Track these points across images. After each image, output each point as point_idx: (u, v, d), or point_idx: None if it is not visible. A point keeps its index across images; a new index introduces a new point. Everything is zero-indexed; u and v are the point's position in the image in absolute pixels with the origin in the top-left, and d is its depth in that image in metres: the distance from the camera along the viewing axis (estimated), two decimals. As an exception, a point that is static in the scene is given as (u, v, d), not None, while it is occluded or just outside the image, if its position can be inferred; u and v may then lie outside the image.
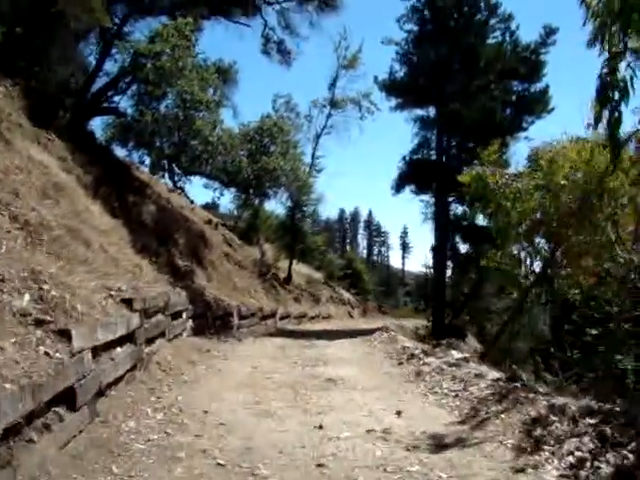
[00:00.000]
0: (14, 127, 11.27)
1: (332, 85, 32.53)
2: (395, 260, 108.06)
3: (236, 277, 22.60)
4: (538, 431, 4.93)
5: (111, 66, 16.89)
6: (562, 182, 10.37)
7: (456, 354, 8.85)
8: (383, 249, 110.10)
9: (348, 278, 45.14)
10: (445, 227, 25.43)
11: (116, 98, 17.11)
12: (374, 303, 52.79)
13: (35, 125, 12.83)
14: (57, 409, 4.19)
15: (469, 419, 5.83)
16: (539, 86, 24.40)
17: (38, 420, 3.83)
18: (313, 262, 41.05)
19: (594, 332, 18.37)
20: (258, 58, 24.52)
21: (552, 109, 24.46)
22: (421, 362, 8.96)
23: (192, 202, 18.63)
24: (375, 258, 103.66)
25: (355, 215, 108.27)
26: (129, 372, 6.71)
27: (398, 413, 6.17)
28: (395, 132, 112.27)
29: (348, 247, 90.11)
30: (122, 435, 4.94)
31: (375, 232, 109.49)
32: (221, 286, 19.55)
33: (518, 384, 6.53)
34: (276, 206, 69.89)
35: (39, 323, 4.49)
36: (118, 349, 6.31)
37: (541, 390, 6.23)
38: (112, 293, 7.04)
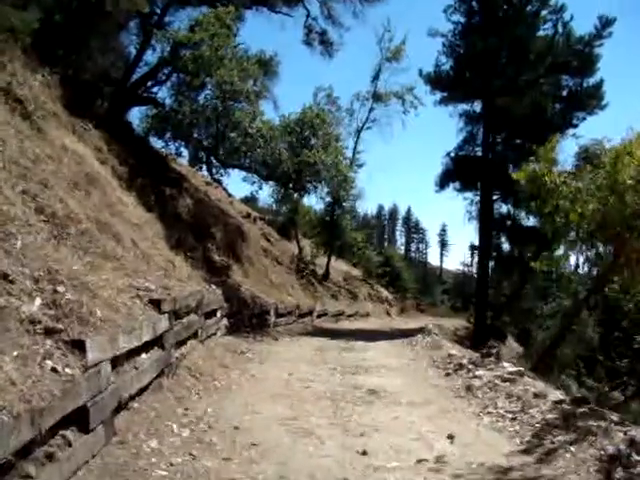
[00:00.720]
0: (49, 116, 10.85)
1: (375, 78, 31.87)
2: (433, 258, 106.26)
3: (273, 273, 22.13)
4: (619, 473, 4.19)
5: (151, 56, 16.60)
6: (628, 182, 9.50)
7: (509, 366, 8.12)
8: (421, 246, 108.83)
9: (387, 276, 44.30)
10: (489, 226, 24.46)
11: (155, 89, 16.80)
12: (412, 301, 51.86)
13: (71, 114, 12.44)
14: (65, 432, 3.64)
15: (533, 449, 5.11)
16: (592, 80, 23.28)
17: (39, 450, 3.28)
18: (351, 258, 40.41)
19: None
20: (300, 50, 23.92)
21: (606, 105, 23.36)
22: (470, 374, 8.25)
23: (230, 195, 18.17)
24: (413, 255, 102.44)
25: (394, 211, 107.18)
26: (155, 380, 6.18)
27: (450, 437, 5.49)
28: (437, 128, 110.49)
29: (386, 244, 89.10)
30: (142, 459, 4.35)
31: (413, 229, 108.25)
32: (258, 282, 19.09)
33: (586, 409, 5.78)
34: (315, 201, 69.68)
35: (49, 332, 3.94)
36: (143, 356, 5.79)
37: (614, 418, 5.47)
38: (140, 293, 6.52)
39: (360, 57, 60.99)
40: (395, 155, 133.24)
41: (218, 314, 11.46)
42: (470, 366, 8.75)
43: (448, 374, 8.84)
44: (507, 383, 7.26)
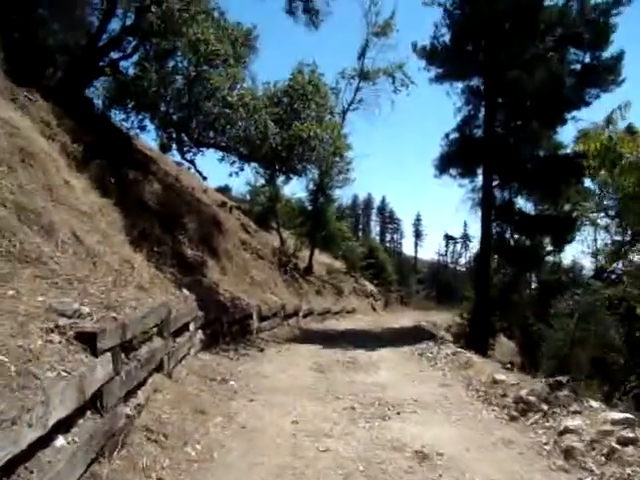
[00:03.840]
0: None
1: (361, 55, 29.30)
2: (407, 248, 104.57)
3: (254, 269, 19.58)
4: None
5: (116, 25, 13.87)
6: None
7: (614, 414, 5.66)
8: (396, 236, 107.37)
9: (371, 268, 41.92)
10: (491, 214, 22.11)
11: (121, 63, 14.07)
12: (396, 294, 49.71)
13: (14, 82, 10.20)
14: None
15: None
16: (605, 55, 20.91)
17: None
18: (333, 250, 37.93)
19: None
20: (282, 25, 21.18)
21: (622, 80, 21.03)
22: (552, 422, 5.84)
23: (205, 178, 15.51)
24: (388, 245, 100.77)
25: (368, 201, 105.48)
26: (87, 470, 3.65)
27: None
28: (409, 115, 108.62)
29: (360, 234, 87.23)
30: None
31: (388, 219, 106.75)
32: (237, 280, 16.55)
33: None
34: (298, 188, 67.22)
35: None
36: (58, 442, 3.25)
37: None
38: (61, 323, 3.96)
39: (347, 33, 57.65)
40: (367, 143, 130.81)
41: (191, 327, 8.94)
42: (542, 405, 6.33)
43: (514, 418, 6.42)
44: (630, 448, 4.87)
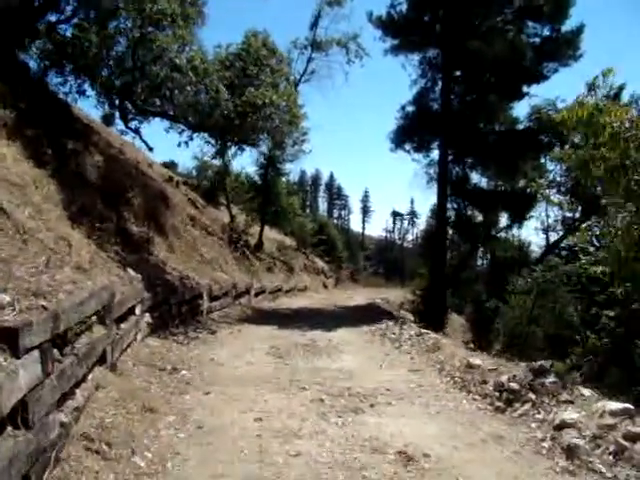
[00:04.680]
0: None
1: (314, 25, 28.18)
2: (355, 224, 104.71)
3: (204, 246, 18.67)
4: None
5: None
6: None
7: (612, 404, 5.13)
8: (343, 212, 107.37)
9: (321, 245, 41.30)
10: (446, 189, 21.67)
11: (61, 27, 12.83)
12: (346, 271, 49.36)
13: None
14: None
15: None
16: (565, 29, 20.52)
17: None
18: (284, 226, 37.11)
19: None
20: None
21: (581, 55, 20.67)
22: (544, 415, 5.28)
23: (151, 149, 14.44)
24: (335, 222, 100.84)
25: (316, 177, 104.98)
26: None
27: None
28: (352, 89, 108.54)
29: (308, 210, 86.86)
30: None
31: (336, 195, 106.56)
32: (186, 258, 15.65)
33: None
34: (245, 163, 65.43)
35: None
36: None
37: None
38: (-28, 316, 3.14)
39: (299, 2, 56.19)
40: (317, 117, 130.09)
41: (137, 311, 8.12)
42: (530, 395, 5.77)
43: (499, 408, 5.84)
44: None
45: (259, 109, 11.41)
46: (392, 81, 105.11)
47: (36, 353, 3.41)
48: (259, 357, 8.93)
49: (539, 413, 5.41)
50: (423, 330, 11.47)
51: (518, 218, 23.85)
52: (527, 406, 5.63)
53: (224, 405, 5.89)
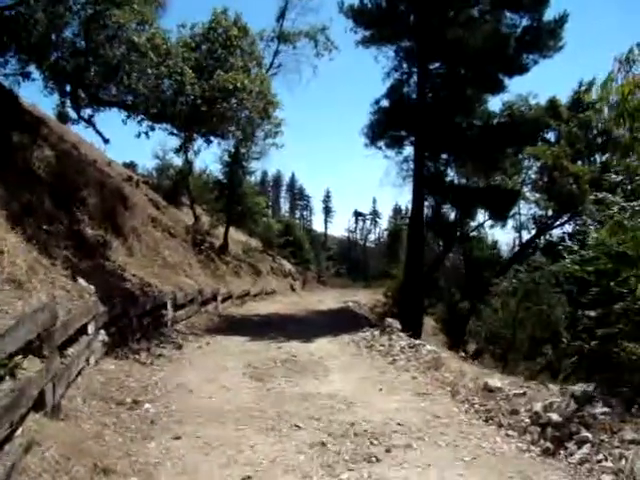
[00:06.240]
0: None
1: (280, 17, 26.91)
2: (317, 224, 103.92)
3: (166, 249, 17.26)
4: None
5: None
6: None
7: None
8: (305, 213, 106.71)
9: (288, 246, 40.05)
10: (422, 186, 20.61)
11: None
12: (313, 273, 48.18)
13: None
14: None
15: None
16: (547, 18, 19.72)
17: None
18: (249, 227, 35.74)
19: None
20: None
21: (562, 46, 19.84)
22: (619, 461, 4.10)
23: (107, 141, 12.98)
24: (297, 223, 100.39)
25: (278, 178, 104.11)
26: None
27: None
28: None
29: (270, 211, 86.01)
30: None
31: (298, 196, 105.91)
32: (147, 262, 14.28)
33: None
34: (208, 161, 63.60)
35: None
36: None
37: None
38: None
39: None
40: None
41: (90, 329, 6.78)
42: (583, 431, 4.61)
43: (547, 451, 4.59)
44: None
45: (229, 94, 10.09)
46: (360, 76, 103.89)
47: None
48: (235, 380, 7.65)
49: (605, 459, 4.26)
50: (416, 341, 10.31)
51: (499, 216, 22.98)
52: (585, 448, 4.48)
53: (199, 456, 4.61)
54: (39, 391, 4.12)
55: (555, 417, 5.04)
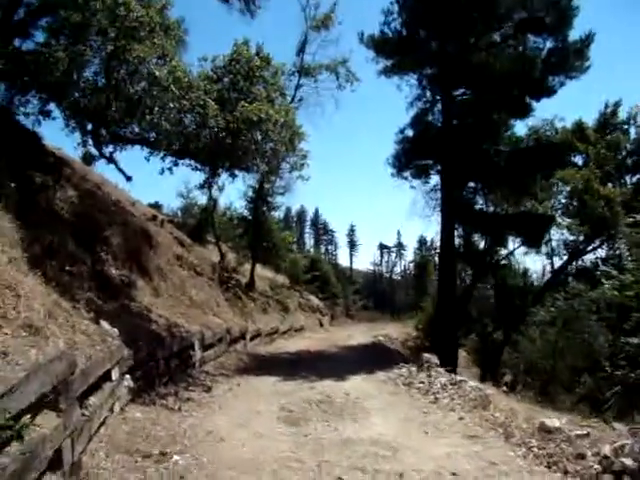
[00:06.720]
0: None
1: (300, 50, 26.89)
2: (342, 259, 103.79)
3: (192, 288, 16.89)
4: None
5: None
6: None
7: None
8: (330, 247, 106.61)
9: (315, 281, 39.59)
10: (452, 215, 20.12)
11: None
12: (341, 307, 47.61)
13: None
14: None
15: None
16: (572, 39, 19.37)
17: None
18: (275, 264, 35.40)
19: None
20: (214, 15, 18.38)
21: (588, 67, 19.45)
22: None
23: (129, 179, 12.76)
24: (322, 257, 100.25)
25: (302, 213, 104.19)
26: None
27: None
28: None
29: (294, 247, 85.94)
30: None
31: (322, 231, 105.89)
32: (174, 302, 13.90)
33: None
34: (232, 198, 63.84)
35: None
36: None
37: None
38: None
39: (284, 29, 54.70)
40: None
41: (114, 375, 6.37)
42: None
43: None
44: None
45: (254, 125, 9.79)
46: (383, 105, 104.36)
47: None
48: (269, 425, 7.15)
49: None
50: (457, 377, 9.72)
51: (534, 242, 22.33)
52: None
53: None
54: (55, 449, 3.69)
55: (629, 463, 4.48)
